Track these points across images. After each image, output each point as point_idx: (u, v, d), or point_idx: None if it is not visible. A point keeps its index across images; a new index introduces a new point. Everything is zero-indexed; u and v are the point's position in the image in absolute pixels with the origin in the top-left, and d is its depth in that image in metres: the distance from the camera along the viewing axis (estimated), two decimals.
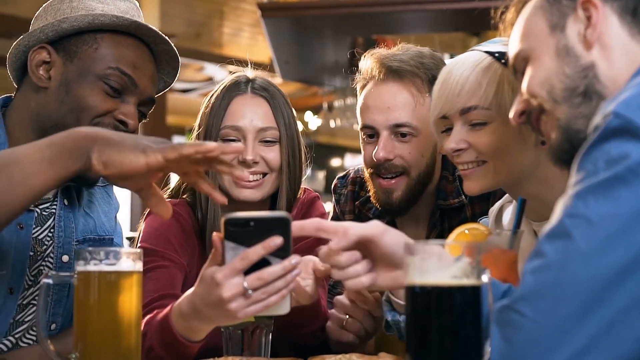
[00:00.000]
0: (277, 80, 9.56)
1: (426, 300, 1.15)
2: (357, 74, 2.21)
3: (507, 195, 1.87)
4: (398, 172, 2.14)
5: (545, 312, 1.11)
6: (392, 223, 2.27)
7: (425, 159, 2.15)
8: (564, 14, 1.38)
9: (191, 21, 8.51)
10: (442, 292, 1.15)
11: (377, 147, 2.12)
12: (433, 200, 2.22)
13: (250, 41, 9.13)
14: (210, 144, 1.39)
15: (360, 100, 2.20)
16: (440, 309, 1.14)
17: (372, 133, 2.17)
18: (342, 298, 1.90)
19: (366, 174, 2.22)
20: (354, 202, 2.38)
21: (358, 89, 2.23)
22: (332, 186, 2.46)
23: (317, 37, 4.98)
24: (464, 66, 1.73)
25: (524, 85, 1.44)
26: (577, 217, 1.13)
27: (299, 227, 1.37)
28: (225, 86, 2.08)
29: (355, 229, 1.36)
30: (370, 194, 2.23)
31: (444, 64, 2.16)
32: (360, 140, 2.23)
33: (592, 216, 1.11)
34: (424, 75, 2.14)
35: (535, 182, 1.70)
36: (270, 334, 1.68)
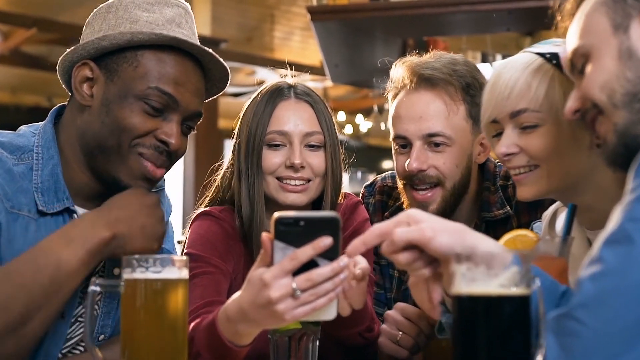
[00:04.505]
0: (327, 83, 9.60)
1: (473, 310, 1.13)
2: (388, 83, 2.18)
3: None
4: (432, 184, 2.10)
5: (607, 320, 1.07)
6: None
7: (460, 169, 2.10)
8: (628, 15, 1.32)
9: (242, 25, 8.57)
10: (489, 302, 1.12)
11: (410, 158, 2.08)
12: (474, 212, 2.18)
13: (301, 44, 9.16)
14: None
15: (392, 109, 2.17)
16: (488, 319, 1.12)
17: (404, 143, 2.13)
18: (394, 313, 1.88)
19: (399, 185, 2.18)
20: (383, 212, 2.33)
21: (390, 98, 2.19)
22: (360, 194, 2.40)
23: (367, 40, 4.94)
24: (513, 69, 1.69)
25: (583, 86, 1.38)
26: (639, 222, 1.09)
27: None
28: (267, 92, 2.08)
29: (401, 236, 1.25)
30: (404, 205, 2.19)
31: (478, 71, 2.14)
32: (393, 151, 2.19)
33: None
34: (457, 82, 2.09)
35: (590, 190, 1.65)
36: (317, 341, 1.67)
